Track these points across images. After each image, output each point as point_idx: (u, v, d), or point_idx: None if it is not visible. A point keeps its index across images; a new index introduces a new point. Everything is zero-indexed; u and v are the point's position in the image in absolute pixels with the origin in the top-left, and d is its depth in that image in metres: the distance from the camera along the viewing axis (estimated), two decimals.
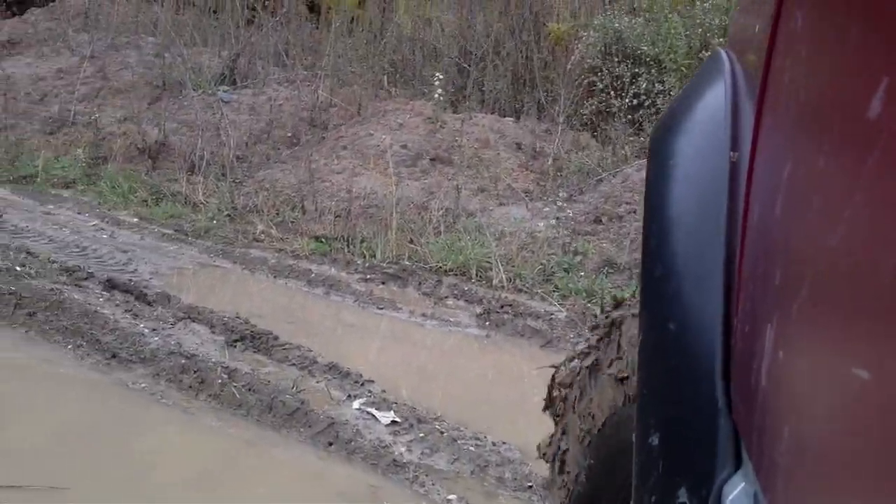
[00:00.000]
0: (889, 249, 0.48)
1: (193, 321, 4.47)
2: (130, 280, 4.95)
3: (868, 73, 0.52)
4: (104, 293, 4.63)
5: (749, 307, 0.79)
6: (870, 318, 0.50)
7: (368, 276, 5.59)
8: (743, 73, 0.99)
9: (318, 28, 11.26)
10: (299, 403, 3.59)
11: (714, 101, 1.01)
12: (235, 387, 3.68)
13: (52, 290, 4.45)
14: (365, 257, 5.92)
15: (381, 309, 5.01)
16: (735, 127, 0.95)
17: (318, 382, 3.94)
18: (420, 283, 5.51)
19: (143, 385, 3.70)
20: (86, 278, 4.91)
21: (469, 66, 8.93)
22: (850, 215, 0.53)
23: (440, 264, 5.66)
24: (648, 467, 0.93)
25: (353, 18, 10.43)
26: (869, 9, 0.54)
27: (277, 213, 6.67)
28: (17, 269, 4.64)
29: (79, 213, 6.59)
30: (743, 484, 0.78)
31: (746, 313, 0.80)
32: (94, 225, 6.34)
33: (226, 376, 3.76)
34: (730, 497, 0.79)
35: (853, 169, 0.53)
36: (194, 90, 8.53)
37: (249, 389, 3.68)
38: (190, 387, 3.70)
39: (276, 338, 4.32)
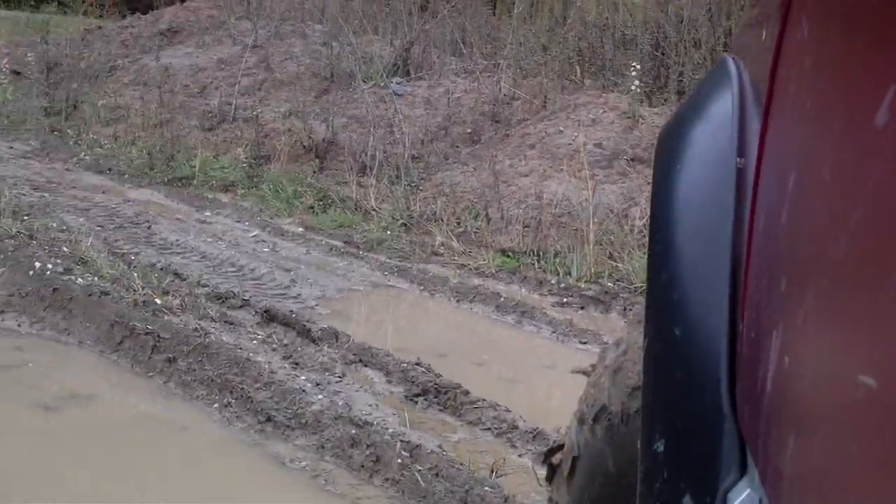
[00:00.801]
0: (894, 256, 0.49)
1: (366, 366, 3.76)
2: (292, 311, 4.29)
3: (874, 81, 0.54)
4: (259, 331, 3.98)
5: (755, 314, 0.82)
6: (876, 325, 0.52)
7: (565, 300, 4.92)
8: (750, 81, 1.03)
9: (495, 14, 10.57)
10: (501, 500, 2.79)
11: (721, 108, 1.05)
12: (419, 470, 2.90)
13: (196, 329, 3.82)
14: (559, 275, 5.21)
15: (585, 343, 4.31)
16: (742, 134, 0.97)
17: (520, 456, 3.20)
18: (625, 309, 4.78)
19: (303, 463, 2.99)
20: (240, 307, 4.30)
21: (663, 53, 7.90)
22: (856, 223, 0.55)
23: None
24: (653, 474, 0.95)
25: (532, 2, 9.62)
26: (875, 17, 0.56)
27: (458, 223, 5.92)
28: (158, 301, 4.04)
29: (237, 222, 6.06)
30: (748, 490, 0.80)
31: (752, 320, 0.82)
32: (254, 236, 5.78)
33: (406, 454, 2.99)
34: (735, 503, 0.80)
35: (859, 177, 0.55)
36: (364, 82, 7.93)
37: (436, 474, 2.90)
38: (362, 466, 2.96)
39: (465, 392, 3.54)
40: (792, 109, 0.76)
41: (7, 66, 9.52)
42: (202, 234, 5.65)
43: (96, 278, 4.16)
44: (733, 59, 1.12)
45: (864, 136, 0.55)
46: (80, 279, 4.10)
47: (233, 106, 8.17)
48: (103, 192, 6.17)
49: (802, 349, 0.66)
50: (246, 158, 7.12)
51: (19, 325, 3.80)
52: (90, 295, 3.94)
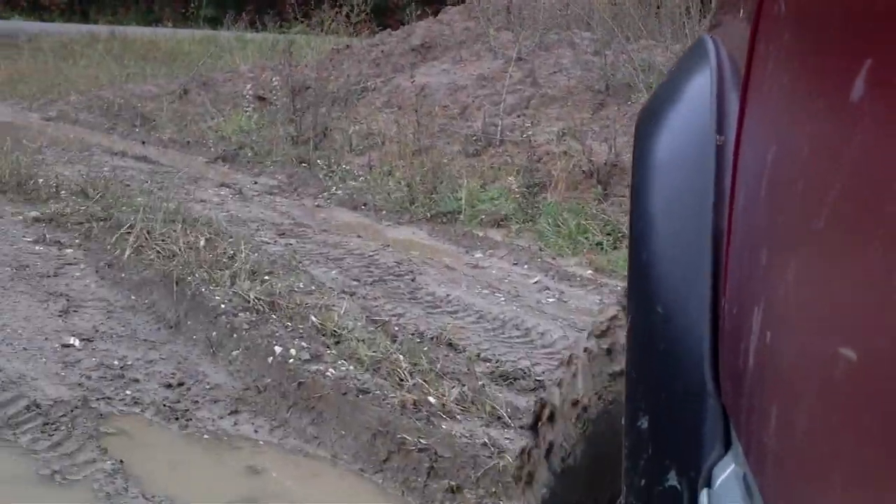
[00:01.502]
0: (873, 229, 0.50)
1: None
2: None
3: (850, 55, 0.55)
4: None
5: (736, 289, 0.84)
6: (856, 297, 0.53)
7: None
8: (728, 58, 1.05)
9: None
10: None
11: (700, 85, 1.07)
12: None
13: (486, 444, 2.75)
14: None
15: None
16: (721, 111, 1.00)
17: None
18: None
19: None
20: (532, 389, 3.23)
21: None
22: (834, 196, 0.56)
23: None
24: (638, 450, 0.97)
25: None
26: None
27: None
28: (432, 400, 3.01)
29: (514, 265, 5.05)
30: (733, 465, 0.82)
31: (734, 295, 0.85)
32: (535, 283, 4.75)
33: None
34: (719, 479, 0.84)
35: (837, 150, 0.56)
36: (646, 93, 6.71)
37: None
38: None
39: None
40: (770, 85, 0.78)
41: (251, 91, 9.15)
42: (475, 285, 4.65)
43: (352, 366, 3.22)
44: (711, 37, 1.16)
45: (840, 109, 0.56)
46: (331, 369, 3.17)
47: (498, 127, 7.23)
48: (358, 236, 5.34)
49: (784, 323, 0.68)
50: (518, 187, 6.11)
51: (256, 431, 2.92)
52: (345, 393, 3.00)
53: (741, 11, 0.97)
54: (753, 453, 0.74)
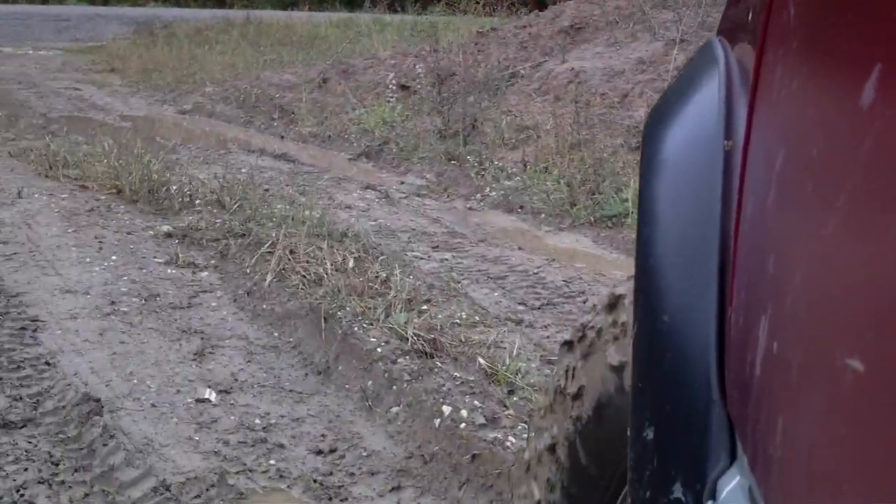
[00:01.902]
0: (882, 237, 0.51)
1: None
2: None
3: (859, 60, 0.56)
4: None
5: (743, 298, 0.84)
6: (864, 307, 0.53)
7: None
8: (736, 63, 1.05)
9: None
10: None
11: (708, 90, 1.08)
12: None
13: None
14: None
15: None
16: (729, 116, 1.00)
17: None
18: None
19: None
20: None
21: None
22: (843, 204, 0.57)
23: None
24: (643, 461, 0.98)
25: None
26: None
27: None
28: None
29: None
30: (738, 477, 0.82)
31: (741, 304, 0.85)
32: None
33: None
34: (725, 491, 0.83)
35: (846, 157, 0.57)
36: None
37: None
38: None
39: None
40: (779, 90, 0.79)
41: (394, 80, 8.72)
42: None
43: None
44: (720, 40, 1.17)
45: (850, 115, 0.56)
46: (511, 437, 2.64)
47: None
48: (519, 248, 4.80)
49: (791, 333, 0.68)
50: None
51: None
52: (528, 470, 2.46)
53: (750, 14, 0.98)
54: (759, 465, 0.75)
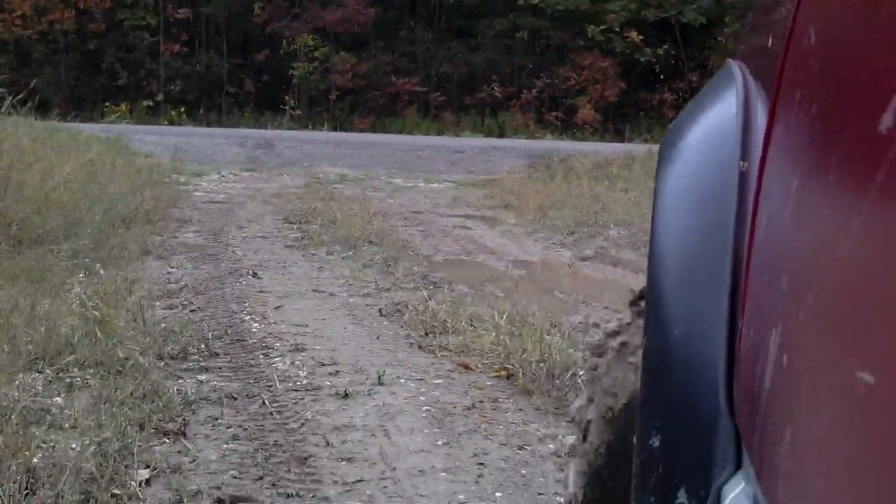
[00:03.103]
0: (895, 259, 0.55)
1: None
2: None
3: (879, 86, 0.60)
4: None
5: (755, 312, 0.90)
6: (876, 322, 0.57)
7: None
8: (754, 86, 1.12)
9: None
10: None
11: (725, 112, 1.14)
12: None
13: None
14: None
15: None
16: (745, 138, 1.06)
17: None
18: None
19: None
20: None
21: None
22: (858, 226, 0.61)
23: None
24: (648, 468, 1.04)
25: None
26: (881, 23, 0.63)
27: None
28: None
29: None
30: (743, 485, 0.87)
31: (752, 318, 0.90)
32: None
33: None
34: (729, 498, 0.88)
35: (863, 181, 0.60)
36: None
37: None
38: None
39: None
40: (797, 114, 0.83)
41: None
42: None
43: None
44: (738, 64, 1.22)
45: (868, 140, 0.60)
46: None
47: None
48: None
49: (801, 347, 0.72)
50: None
51: None
52: None
53: (770, 39, 1.03)
54: (765, 474, 0.78)
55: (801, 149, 0.81)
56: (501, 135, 23.15)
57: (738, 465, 0.89)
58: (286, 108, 24.70)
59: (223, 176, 13.42)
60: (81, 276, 5.70)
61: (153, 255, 6.88)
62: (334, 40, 25.95)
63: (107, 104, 24.10)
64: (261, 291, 5.78)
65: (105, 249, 6.52)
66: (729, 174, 1.04)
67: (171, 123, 23.14)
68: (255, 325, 4.91)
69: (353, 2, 25.53)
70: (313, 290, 5.88)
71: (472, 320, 4.95)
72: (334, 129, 23.18)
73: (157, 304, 5.35)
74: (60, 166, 8.95)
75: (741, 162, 1.04)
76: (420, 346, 4.61)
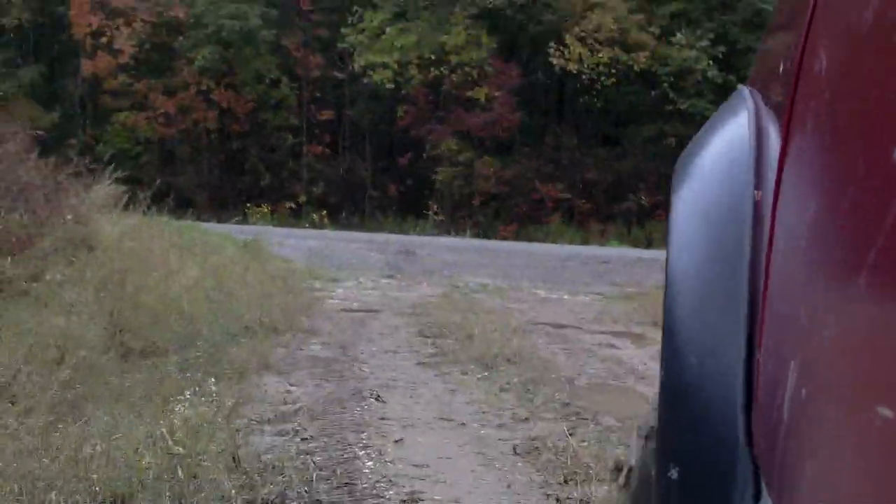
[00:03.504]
0: None
1: None
2: None
3: (892, 114, 0.61)
4: None
5: (773, 344, 0.90)
6: (894, 355, 0.57)
7: None
8: (766, 112, 1.12)
9: None
10: None
11: (738, 139, 1.14)
12: None
13: None
14: None
15: None
16: (759, 166, 1.06)
17: None
18: None
19: None
20: None
21: None
22: (875, 256, 0.61)
23: None
24: (667, 500, 1.05)
25: None
26: (893, 48, 0.62)
27: None
28: None
29: None
30: None
31: (770, 350, 0.91)
32: None
33: None
34: None
35: (878, 208, 0.61)
36: None
37: None
38: None
39: None
40: (810, 141, 0.84)
41: None
42: None
43: None
44: (749, 90, 1.23)
45: (881, 170, 0.61)
46: None
47: None
48: None
49: (820, 380, 0.72)
50: None
51: None
52: None
53: (781, 66, 1.03)
54: None
55: (815, 177, 0.81)
56: (649, 245, 22.39)
57: (758, 499, 0.90)
58: (429, 213, 24.64)
59: (360, 283, 13.12)
60: (188, 394, 5.32)
61: (273, 369, 6.45)
62: (478, 145, 25.93)
63: (248, 205, 24.56)
64: (383, 418, 5.24)
65: (221, 363, 6.14)
66: (743, 202, 1.05)
67: (313, 226, 23.32)
68: (370, 462, 4.34)
69: (499, 105, 25.50)
70: (441, 419, 5.30)
71: (619, 465, 4.28)
72: (477, 235, 22.90)
73: (267, 428, 4.89)
74: (187, 269, 8.77)
75: (755, 191, 1.05)
76: (558, 500, 3.95)
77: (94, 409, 4.93)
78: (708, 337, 1.05)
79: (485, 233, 23.64)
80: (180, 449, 3.80)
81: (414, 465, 4.33)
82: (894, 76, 0.61)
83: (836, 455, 0.65)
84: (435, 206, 24.81)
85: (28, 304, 6.25)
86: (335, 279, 13.21)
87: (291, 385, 6.02)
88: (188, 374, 5.78)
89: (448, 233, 22.96)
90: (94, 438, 4.01)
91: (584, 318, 11.34)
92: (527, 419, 5.42)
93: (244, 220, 22.70)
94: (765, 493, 0.88)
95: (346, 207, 25.79)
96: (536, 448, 4.68)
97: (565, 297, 13.62)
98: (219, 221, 21.11)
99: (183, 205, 24.13)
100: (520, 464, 4.48)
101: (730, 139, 1.17)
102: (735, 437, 0.94)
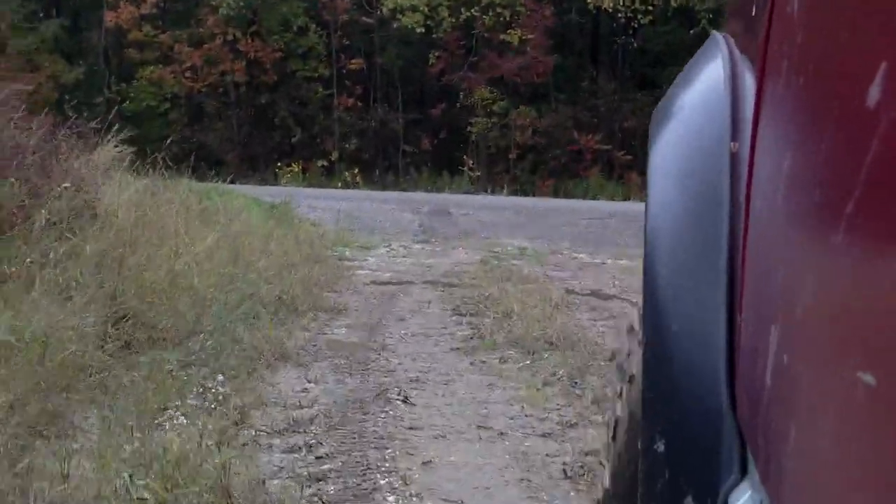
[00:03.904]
0: (891, 244, 0.52)
1: None
2: None
3: (865, 58, 0.57)
4: None
5: (753, 307, 0.87)
6: (875, 318, 0.54)
7: None
8: (741, 59, 1.09)
9: None
10: None
11: (712, 89, 1.10)
12: None
13: None
14: None
15: None
16: (734, 116, 1.03)
17: None
18: None
19: None
20: None
21: None
22: (851, 209, 0.58)
23: None
24: (654, 474, 1.03)
25: None
26: None
27: None
28: None
29: None
30: (749, 492, 0.86)
31: (750, 313, 0.88)
32: None
33: None
34: None
35: (854, 159, 0.57)
36: None
37: None
38: None
39: None
40: (784, 89, 0.80)
41: None
42: None
43: None
44: (724, 36, 1.20)
45: (856, 115, 0.57)
46: None
47: None
48: None
49: (801, 344, 0.69)
50: None
51: None
52: None
53: (753, 9, 0.99)
54: (770, 478, 0.76)
55: (790, 126, 0.79)
56: None
57: (745, 468, 0.88)
58: (464, 168, 23.88)
59: (392, 249, 12.46)
60: (191, 397, 4.69)
61: (291, 360, 5.80)
62: (513, 92, 25.02)
63: (279, 165, 23.90)
64: (411, 428, 4.57)
65: (232, 355, 5.50)
66: (720, 155, 1.02)
67: (346, 185, 22.65)
68: (391, 497, 3.68)
69: (533, 49, 24.54)
70: (478, 427, 4.62)
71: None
72: (514, 192, 22.14)
73: (276, 442, 4.25)
74: (202, 239, 8.13)
75: (732, 143, 1.02)
76: None
77: (80, 418, 4.33)
78: (688, 302, 1.02)
79: (522, 188, 22.87)
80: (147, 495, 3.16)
81: (444, 501, 3.66)
82: (867, 16, 0.59)
83: (818, 423, 0.64)
84: (470, 161, 24.02)
85: (16, 289, 5.63)
86: (366, 245, 12.56)
87: (309, 382, 5.35)
88: (192, 370, 5.16)
89: (484, 190, 22.22)
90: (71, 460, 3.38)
91: (631, 286, 10.60)
92: (575, 424, 4.74)
93: (275, 181, 22.10)
94: (751, 462, 0.86)
95: (378, 164, 25.07)
96: (590, 470, 3.99)
97: (608, 261, 12.84)
98: (248, 183, 20.50)
99: (212, 165, 23.58)
100: (572, 493, 3.80)
101: (704, 90, 1.14)
102: (719, 406, 0.92)
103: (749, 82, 1.02)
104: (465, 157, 24.14)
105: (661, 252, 1.09)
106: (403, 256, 11.69)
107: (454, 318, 7.50)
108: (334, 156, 24.74)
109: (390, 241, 13.30)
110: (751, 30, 1.02)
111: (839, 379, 0.59)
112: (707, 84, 1.14)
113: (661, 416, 1.04)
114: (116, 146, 8.80)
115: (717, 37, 1.22)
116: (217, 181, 15.28)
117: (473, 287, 8.90)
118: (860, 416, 0.56)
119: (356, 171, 23.72)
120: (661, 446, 1.01)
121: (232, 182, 19.28)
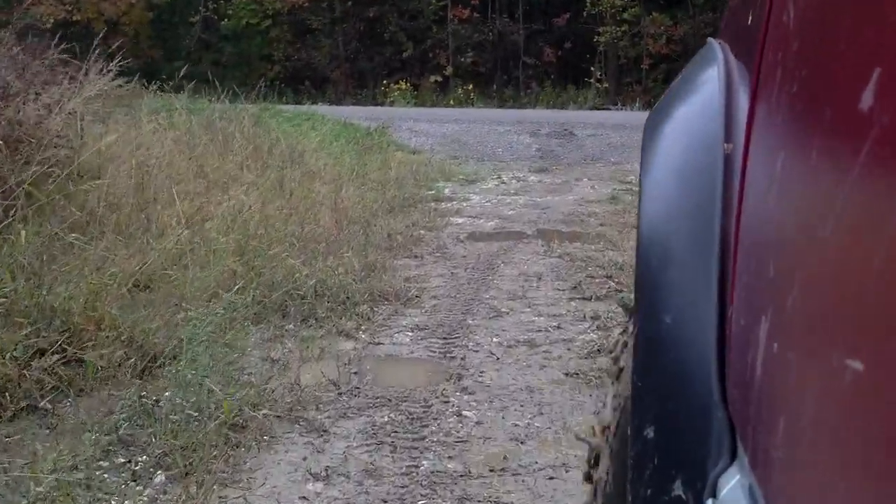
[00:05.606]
0: (880, 240, 0.53)
1: None
2: None
3: (859, 64, 0.58)
4: None
5: (743, 299, 0.87)
6: (862, 308, 0.55)
7: None
8: (736, 65, 1.10)
9: None
10: None
11: (708, 92, 1.12)
12: None
13: None
14: None
15: None
16: (729, 119, 1.04)
17: None
18: None
19: None
20: None
21: None
22: (841, 207, 0.59)
23: None
24: (644, 460, 1.01)
25: None
26: (859, 1, 0.61)
27: None
28: None
29: None
30: (738, 476, 0.85)
31: (741, 305, 0.88)
32: None
33: None
34: (725, 489, 0.86)
35: (845, 160, 0.58)
36: None
37: None
38: None
39: None
40: (779, 93, 0.81)
41: None
42: None
43: None
44: (719, 43, 1.20)
45: (850, 119, 0.58)
46: None
47: None
48: None
49: (791, 334, 0.70)
50: None
51: None
52: None
53: (750, 16, 1.00)
54: (759, 463, 0.77)
55: (783, 128, 0.80)
56: None
57: (734, 455, 0.87)
58: (591, 81, 21.12)
59: (503, 183, 10.08)
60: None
61: (304, 419, 3.46)
62: None
63: (386, 82, 21.54)
64: None
65: (210, 423, 3.29)
66: (714, 156, 1.03)
67: (459, 104, 20.21)
68: None
69: None
70: None
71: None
72: (647, 105, 19.32)
73: None
74: (237, 188, 5.95)
75: (725, 144, 1.02)
76: None
77: None
78: (681, 293, 1.03)
79: (655, 102, 20.03)
80: None
81: None
82: (861, 25, 0.59)
83: (807, 408, 0.64)
84: (598, 73, 21.23)
85: None
86: (471, 178, 10.22)
87: (322, 477, 3.06)
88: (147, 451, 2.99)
89: (614, 104, 19.46)
90: None
91: None
92: None
93: (384, 100, 19.81)
94: (741, 447, 0.86)
95: (497, 79, 22.51)
96: None
97: None
98: (354, 103, 18.32)
99: (317, 84, 21.51)
100: None
101: (700, 93, 1.15)
102: (710, 393, 0.91)
103: (743, 87, 1.03)
104: (591, 69, 21.37)
105: (656, 246, 1.10)
106: (514, 193, 9.29)
107: (572, 303, 5.08)
108: (448, 70, 22.27)
109: (501, 171, 10.92)
110: (746, 37, 1.03)
111: (827, 365, 0.59)
112: (703, 88, 1.15)
113: (651, 403, 1.03)
114: (112, 77, 6.58)
115: (713, 43, 1.25)
116: (316, 103, 13.11)
117: (601, 246, 6.48)
118: (847, 402, 0.56)
119: (471, 87, 21.22)
120: (650, 432, 1.00)
121: (337, 103, 17.12)
